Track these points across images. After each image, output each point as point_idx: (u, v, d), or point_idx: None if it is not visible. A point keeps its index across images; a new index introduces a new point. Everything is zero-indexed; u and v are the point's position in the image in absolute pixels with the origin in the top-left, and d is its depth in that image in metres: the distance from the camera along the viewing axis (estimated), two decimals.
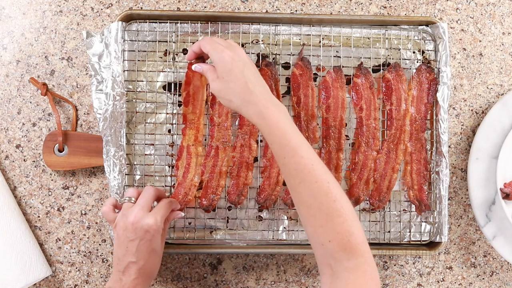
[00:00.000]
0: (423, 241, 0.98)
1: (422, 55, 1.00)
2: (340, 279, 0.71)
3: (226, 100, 0.80)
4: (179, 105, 0.98)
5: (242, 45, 0.98)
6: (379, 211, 0.99)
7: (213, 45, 0.81)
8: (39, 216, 0.99)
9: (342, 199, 0.73)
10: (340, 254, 0.72)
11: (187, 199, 0.94)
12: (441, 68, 0.96)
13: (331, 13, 1.02)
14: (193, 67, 0.86)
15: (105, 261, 0.99)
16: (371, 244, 0.98)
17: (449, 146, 1.02)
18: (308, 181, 0.73)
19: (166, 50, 0.98)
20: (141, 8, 1.01)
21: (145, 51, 0.97)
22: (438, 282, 1.02)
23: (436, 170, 0.97)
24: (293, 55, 0.98)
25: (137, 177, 0.97)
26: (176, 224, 0.97)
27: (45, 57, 1.00)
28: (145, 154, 0.97)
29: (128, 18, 0.96)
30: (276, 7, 1.02)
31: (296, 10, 1.02)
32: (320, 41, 0.99)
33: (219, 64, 0.80)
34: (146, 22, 0.97)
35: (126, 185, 0.95)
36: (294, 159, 0.74)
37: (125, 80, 0.96)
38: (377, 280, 0.72)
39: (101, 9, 1.00)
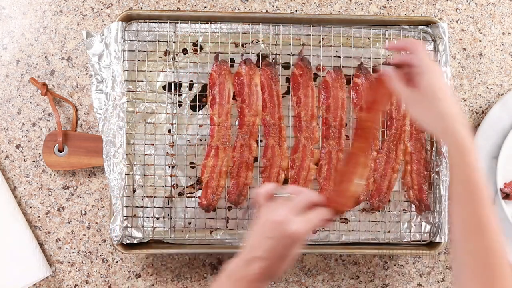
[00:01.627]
0: (423, 241, 0.98)
1: None
2: None
3: (445, 107, 0.73)
4: (179, 105, 0.98)
5: (242, 45, 0.98)
6: (379, 211, 0.98)
7: (426, 56, 0.76)
8: (39, 216, 0.99)
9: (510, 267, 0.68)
10: None
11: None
12: (441, 68, 0.96)
13: (331, 13, 1.02)
14: (387, 69, 0.80)
15: (105, 261, 0.99)
16: (371, 244, 0.98)
17: None
18: (492, 236, 0.68)
19: (166, 50, 0.98)
20: (141, 8, 1.01)
21: (145, 51, 0.97)
22: (438, 282, 1.02)
23: (436, 170, 0.97)
24: (293, 55, 0.98)
25: (137, 177, 0.97)
26: (176, 224, 0.97)
27: (45, 57, 1.00)
28: (145, 154, 0.97)
29: (128, 18, 0.96)
30: (276, 7, 1.02)
31: (296, 10, 1.02)
32: (320, 41, 0.99)
33: (432, 77, 0.74)
34: (146, 22, 0.97)
35: (126, 185, 0.95)
36: (489, 210, 0.69)
37: (125, 80, 0.96)
38: None
39: (101, 9, 1.00)
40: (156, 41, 0.97)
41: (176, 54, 0.98)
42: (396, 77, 0.77)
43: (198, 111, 0.98)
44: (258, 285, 0.73)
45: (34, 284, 0.98)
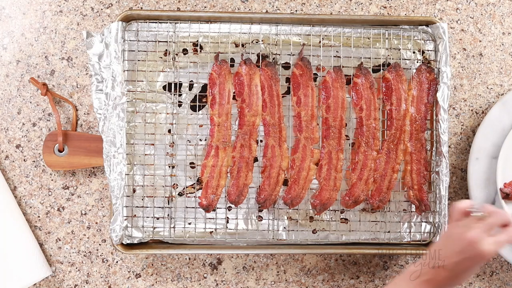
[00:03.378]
0: (423, 241, 0.98)
1: (422, 55, 1.00)
2: None
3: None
4: (179, 105, 0.98)
5: (242, 45, 0.98)
6: (379, 211, 0.99)
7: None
8: (39, 216, 0.99)
9: None
10: None
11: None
12: (441, 68, 0.96)
13: (331, 13, 1.02)
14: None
15: (105, 261, 0.99)
16: (371, 244, 0.98)
17: (449, 146, 1.02)
18: None
19: (166, 50, 0.98)
20: (141, 8, 1.01)
21: (145, 51, 0.97)
22: None
23: (436, 170, 0.97)
24: (293, 55, 0.98)
25: (137, 177, 0.97)
26: (176, 224, 0.97)
27: (45, 57, 1.00)
28: (145, 154, 0.97)
29: (128, 18, 0.96)
30: (276, 7, 1.02)
31: (296, 10, 1.02)
32: (320, 41, 0.99)
33: None
34: (146, 22, 0.97)
35: (126, 185, 0.95)
36: None
37: (125, 80, 0.96)
38: None
39: (101, 9, 1.00)
40: (156, 41, 0.97)
41: (176, 54, 0.98)
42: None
43: (198, 111, 0.98)
44: None
45: (34, 284, 0.98)
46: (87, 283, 0.99)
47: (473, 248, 0.76)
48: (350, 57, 0.99)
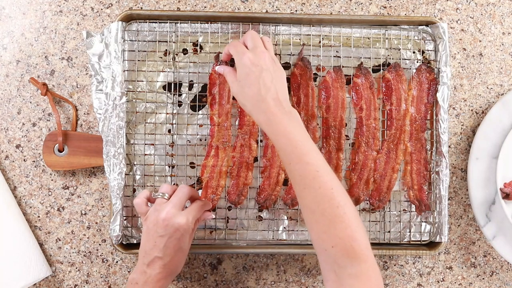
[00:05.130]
0: (423, 241, 0.98)
1: (422, 55, 1.00)
2: (344, 286, 0.71)
3: (241, 103, 0.82)
4: (179, 105, 0.98)
5: None
6: (379, 211, 0.99)
7: (237, 48, 0.83)
8: (39, 216, 0.99)
9: (346, 205, 0.73)
10: (343, 259, 0.72)
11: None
12: (441, 68, 0.96)
13: (331, 13, 1.02)
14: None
15: (105, 261, 0.99)
16: (371, 244, 0.98)
17: (449, 146, 1.02)
18: (312, 187, 0.74)
19: (166, 50, 0.98)
20: (141, 8, 1.01)
21: (145, 51, 0.97)
22: (438, 282, 1.02)
23: (436, 170, 0.97)
24: (293, 55, 0.98)
25: (137, 177, 0.97)
26: None
27: (45, 57, 1.00)
28: (145, 154, 0.97)
29: (128, 18, 0.96)
30: (276, 7, 1.02)
31: (296, 10, 1.02)
32: (320, 41, 0.99)
33: (239, 67, 0.82)
34: (146, 22, 0.97)
35: (126, 185, 0.95)
36: (299, 165, 0.75)
37: (125, 80, 0.96)
38: (381, 287, 0.73)
39: (101, 9, 1.00)
40: (156, 41, 0.97)
41: (176, 54, 0.98)
42: (227, 73, 0.86)
43: (198, 111, 0.98)
44: (164, 283, 0.83)
45: (34, 284, 0.98)
46: (87, 283, 0.99)
47: (170, 226, 0.81)
48: (350, 57, 0.99)
